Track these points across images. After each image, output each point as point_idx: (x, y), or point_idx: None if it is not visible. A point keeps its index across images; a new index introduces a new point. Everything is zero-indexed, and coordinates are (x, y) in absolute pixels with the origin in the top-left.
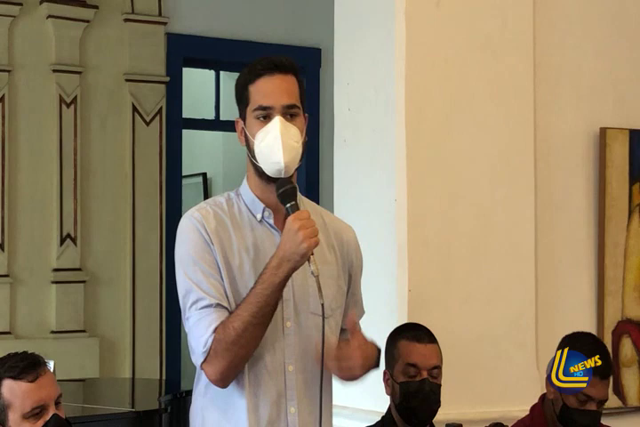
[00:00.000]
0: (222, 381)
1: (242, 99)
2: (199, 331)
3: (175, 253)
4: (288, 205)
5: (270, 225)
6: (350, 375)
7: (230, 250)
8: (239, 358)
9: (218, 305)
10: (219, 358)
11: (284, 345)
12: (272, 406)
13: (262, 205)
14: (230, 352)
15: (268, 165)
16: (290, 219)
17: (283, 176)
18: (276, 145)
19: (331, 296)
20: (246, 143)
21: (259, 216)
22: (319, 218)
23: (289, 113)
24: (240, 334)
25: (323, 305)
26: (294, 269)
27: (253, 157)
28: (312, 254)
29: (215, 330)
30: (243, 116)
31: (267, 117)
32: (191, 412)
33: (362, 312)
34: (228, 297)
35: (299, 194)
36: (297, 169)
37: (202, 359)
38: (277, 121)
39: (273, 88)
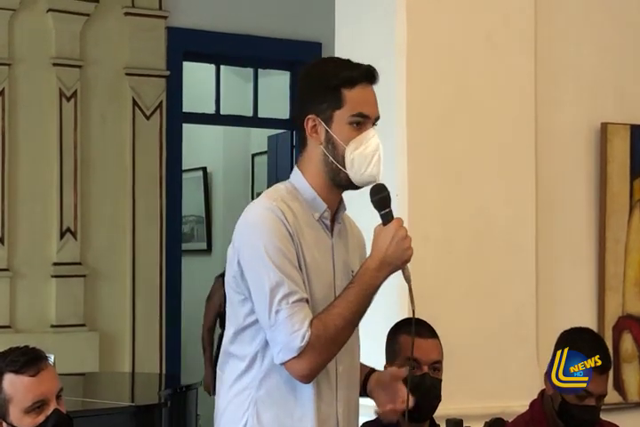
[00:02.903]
0: (311, 376)
1: (330, 99)
2: (293, 326)
3: (251, 244)
4: (384, 211)
5: (326, 226)
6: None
7: (304, 245)
8: (332, 356)
9: (307, 300)
10: (316, 353)
11: None
12: (327, 404)
13: (325, 205)
14: (328, 349)
15: (359, 176)
16: (394, 225)
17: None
18: (375, 159)
19: None
20: (327, 143)
21: (316, 215)
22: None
23: (374, 125)
24: (340, 332)
25: (414, 311)
26: (392, 272)
27: (338, 161)
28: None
29: (310, 325)
30: (325, 115)
31: (360, 125)
32: (233, 407)
33: None
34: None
35: None
36: None
37: (294, 354)
38: (375, 135)
39: (371, 98)
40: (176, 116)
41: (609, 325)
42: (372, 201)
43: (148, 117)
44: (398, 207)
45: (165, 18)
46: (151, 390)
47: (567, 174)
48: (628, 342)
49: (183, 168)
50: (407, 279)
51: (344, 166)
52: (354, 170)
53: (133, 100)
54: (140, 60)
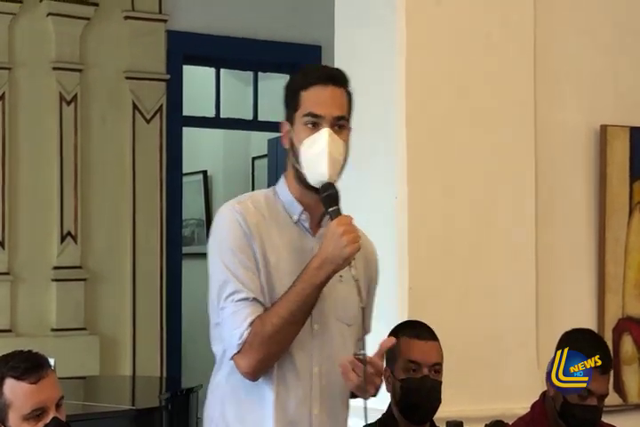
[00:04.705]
0: (253, 374)
1: (291, 103)
2: (234, 323)
3: (211, 242)
4: (331, 209)
5: (305, 228)
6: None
7: (269, 246)
8: (273, 354)
9: (254, 299)
10: (253, 351)
11: (312, 347)
12: (298, 404)
13: (301, 208)
14: (266, 347)
15: (312, 175)
16: (334, 223)
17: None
18: (322, 157)
19: (352, 307)
20: (290, 146)
21: (295, 217)
22: None
23: (337, 124)
24: (277, 330)
25: (363, 309)
26: (335, 271)
27: (297, 162)
28: (353, 259)
29: (251, 323)
30: (290, 119)
31: (315, 125)
32: (208, 404)
33: (368, 330)
34: (263, 292)
35: None
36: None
37: (235, 351)
38: (326, 133)
39: (326, 98)
40: (176, 120)
41: (609, 327)
42: (320, 199)
43: (148, 121)
44: (398, 207)
45: (165, 21)
46: (152, 394)
47: (567, 176)
48: (628, 343)
49: (183, 172)
50: (354, 278)
51: (301, 167)
52: (307, 170)
53: (133, 103)
54: (140, 64)
